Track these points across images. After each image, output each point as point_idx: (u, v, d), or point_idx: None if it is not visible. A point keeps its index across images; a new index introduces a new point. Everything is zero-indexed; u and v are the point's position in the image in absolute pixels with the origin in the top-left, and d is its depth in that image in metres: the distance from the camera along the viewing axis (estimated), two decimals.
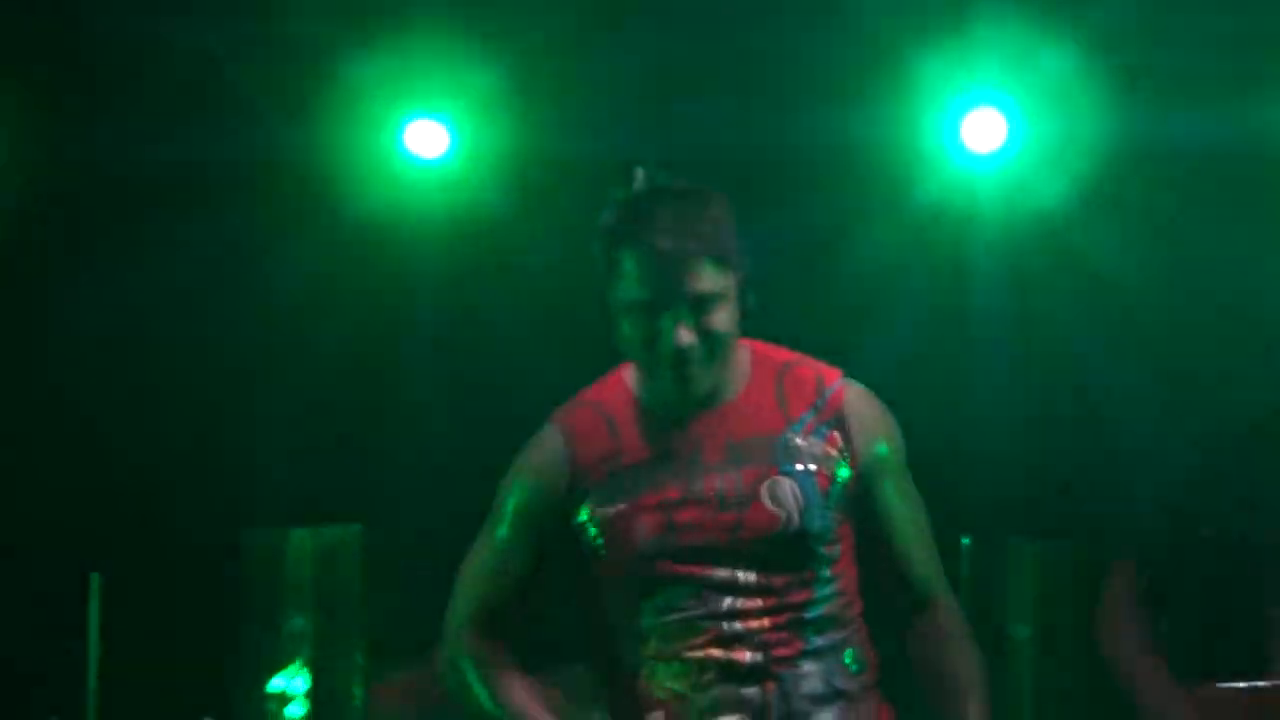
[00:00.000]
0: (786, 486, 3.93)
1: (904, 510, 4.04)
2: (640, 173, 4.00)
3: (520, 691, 4.05)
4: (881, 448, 4.04)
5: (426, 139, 7.33)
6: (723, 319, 3.87)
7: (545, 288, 7.31)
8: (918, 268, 7.13)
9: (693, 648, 3.95)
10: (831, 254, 7.35)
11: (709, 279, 3.84)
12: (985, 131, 7.06)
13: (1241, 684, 4.38)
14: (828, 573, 3.96)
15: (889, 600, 4.03)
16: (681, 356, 3.83)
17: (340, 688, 6.94)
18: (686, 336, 3.81)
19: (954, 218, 7.16)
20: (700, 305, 3.83)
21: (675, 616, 3.95)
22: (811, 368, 4.05)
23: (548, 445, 4.02)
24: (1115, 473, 5.65)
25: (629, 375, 4.04)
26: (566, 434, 4.01)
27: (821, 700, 3.91)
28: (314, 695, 6.78)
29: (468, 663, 4.07)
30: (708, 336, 3.84)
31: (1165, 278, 6.66)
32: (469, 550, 4.10)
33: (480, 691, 4.06)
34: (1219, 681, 4.39)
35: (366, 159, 7.22)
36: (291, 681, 6.34)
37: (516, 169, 7.24)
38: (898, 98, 7.02)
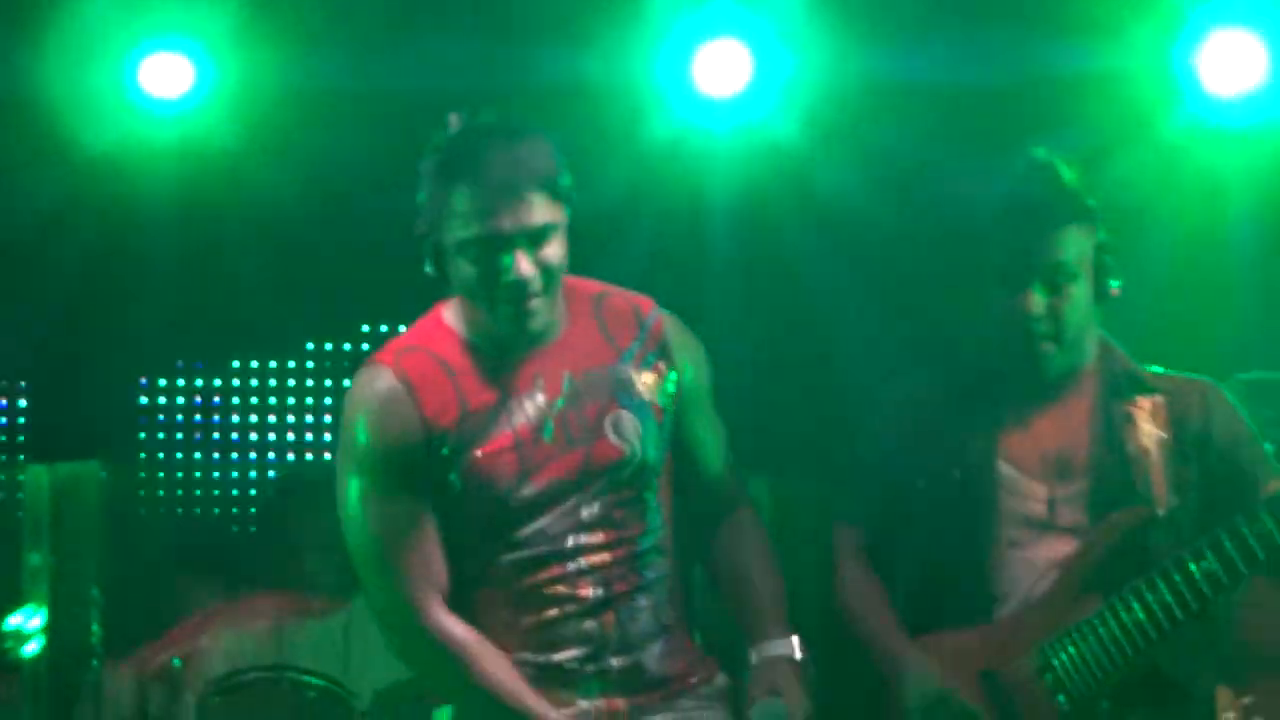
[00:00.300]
0: (627, 419, 4.04)
1: (717, 430, 4.20)
2: (454, 117, 4.00)
3: (502, 670, 4.03)
4: (700, 373, 4.18)
5: (165, 75, 6.93)
6: (557, 251, 3.91)
7: (288, 230, 7.25)
8: (650, 207, 7.09)
9: (540, 583, 4.03)
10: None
11: (543, 210, 3.87)
12: (721, 69, 6.88)
13: (971, 630, 4.44)
14: (655, 501, 4.08)
15: (696, 514, 4.17)
16: (522, 289, 3.86)
17: (77, 625, 6.77)
18: (527, 268, 3.84)
19: (690, 155, 7.06)
20: (536, 237, 3.85)
21: (526, 553, 4.02)
22: (624, 298, 4.14)
23: (393, 401, 4.00)
24: (845, 411, 5.74)
25: (450, 317, 4.07)
26: (407, 385, 4.00)
27: (652, 635, 4.02)
28: (50, 631, 6.62)
29: (438, 644, 4.03)
30: (545, 269, 3.88)
31: (898, 214, 6.73)
32: (357, 527, 4.05)
33: (459, 673, 4.03)
34: (949, 629, 4.45)
35: (98, 95, 6.89)
36: (29, 619, 6.22)
37: (260, 106, 7.02)
38: (629, 35, 6.87)
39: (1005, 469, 4.45)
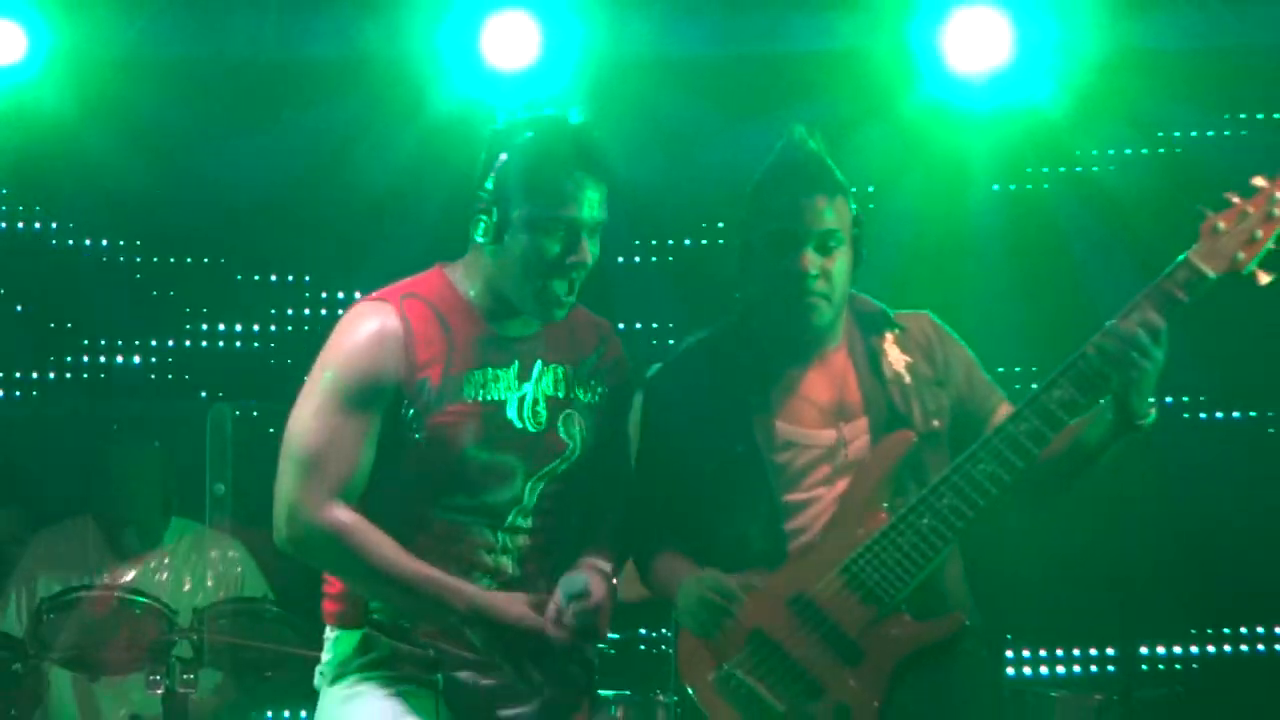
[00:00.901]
0: (576, 419, 4.31)
1: (628, 438, 4.55)
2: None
3: (401, 553, 4.17)
4: (631, 393, 4.53)
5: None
6: (595, 249, 4.29)
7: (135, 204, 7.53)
8: (434, 179, 7.12)
9: (468, 547, 4.26)
10: (345, 164, 7.48)
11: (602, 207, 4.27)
12: (511, 42, 7.05)
13: (774, 571, 4.53)
14: (575, 497, 4.36)
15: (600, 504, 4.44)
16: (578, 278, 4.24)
17: None
18: (588, 256, 4.22)
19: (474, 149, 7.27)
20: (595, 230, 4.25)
21: (465, 518, 4.25)
22: (588, 314, 4.49)
23: (389, 337, 4.19)
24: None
25: (455, 277, 4.30)
26: (407, 326, 4.20)
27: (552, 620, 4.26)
28: None
29: (337, 533, 4.16)
30: (585, 265, 4.24)
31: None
32: (300, 435, 4.17)
33: (359, 557, 4.16)
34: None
35: None
36: None
37: (95, 73, 7.13)
38: (418, 7, 7.07)
39: (785, 429, 4.55)
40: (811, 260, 4.44)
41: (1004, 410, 4.54)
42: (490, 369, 4.24)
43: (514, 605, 4.16)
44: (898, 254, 6.02)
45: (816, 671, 4.41)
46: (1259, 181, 4.38)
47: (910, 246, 6.67)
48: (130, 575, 6.85)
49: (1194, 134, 7.75)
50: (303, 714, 6.44)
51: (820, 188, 4.49)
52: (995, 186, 7.64)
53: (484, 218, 4.20)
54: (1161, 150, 7.74)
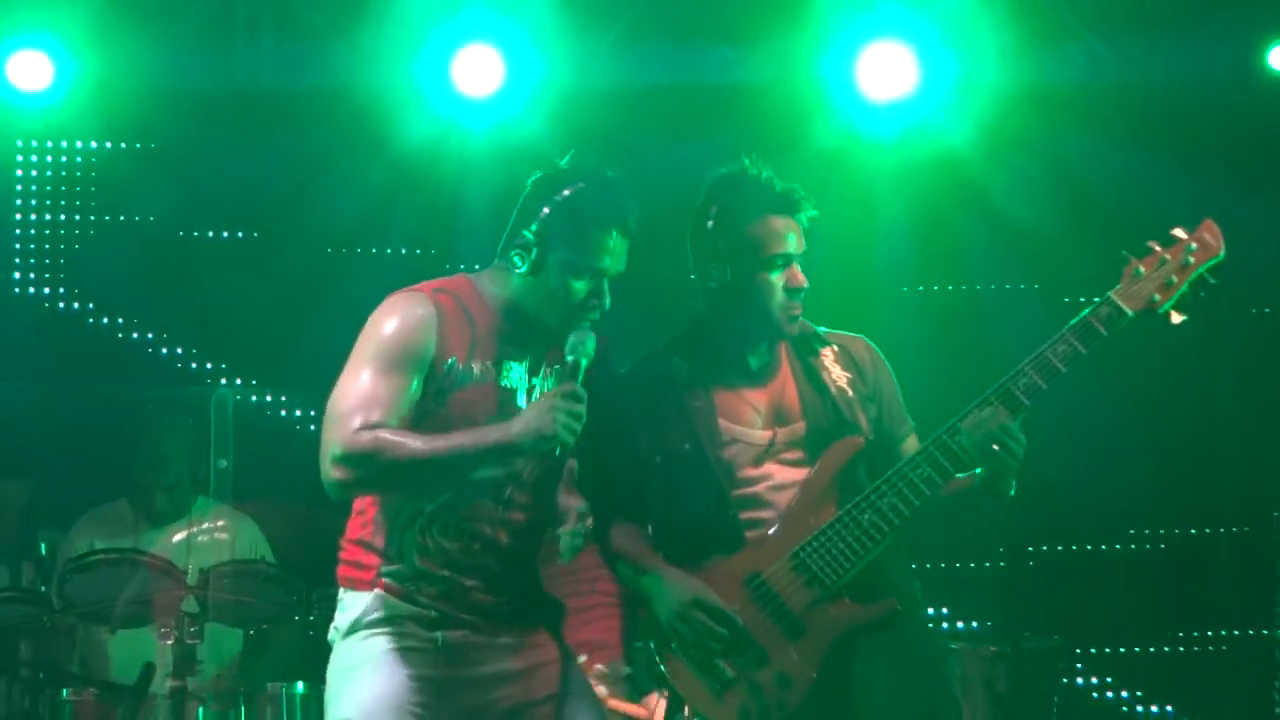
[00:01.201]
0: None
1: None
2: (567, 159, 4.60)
3: (430, 436, 4.40)
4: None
5: (28, 71, 7.40)
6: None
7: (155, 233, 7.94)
8: (407, 207, 7.67)
9: (471, 515, 4.55)
10: (312, 192, 7.90)
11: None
12: (478, 72, 7.48)
13: (730, 555, 4.83)
14: (556, 483, 4.68)
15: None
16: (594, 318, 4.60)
17: None
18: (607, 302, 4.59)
19: (447, 167, 7.69)
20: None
21: (467, 489, 4.53)
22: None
23: (424, 319, 4.48)
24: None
25: (481, 284, 4.62)
26: (440, 312, 4.50)
27: (529, 580, 4.67)
28: None
29: (372, 441, 4.36)
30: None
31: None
32: (340, 392, 4.42)
33: (400, 449, 4.37)
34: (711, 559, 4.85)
35: None
36: None
37: (120, 102, 7.50)
38: (389, 38, 7.43)
39: (726, 426, 4.84)
40: (797, 277, 4.81)
41: (911, 442, 4.89)
42: (506, 361, 4.58)
43: (522, 414, 4.46)
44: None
45: (764, 643, 4.73)
46: (1178, 232, 4.71)
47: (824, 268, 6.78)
48: (157, 540, 7.23)
49: (1090, 164, 7.95)
50: (299, 686, 6.61)
51: (798, 211, 4.83)
52: (903, 212, 7.89)
53: (524, 253, 4.54)
54: (1062, 179, 7.96)
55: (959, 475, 4.73)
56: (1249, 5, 7.75)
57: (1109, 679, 8.43)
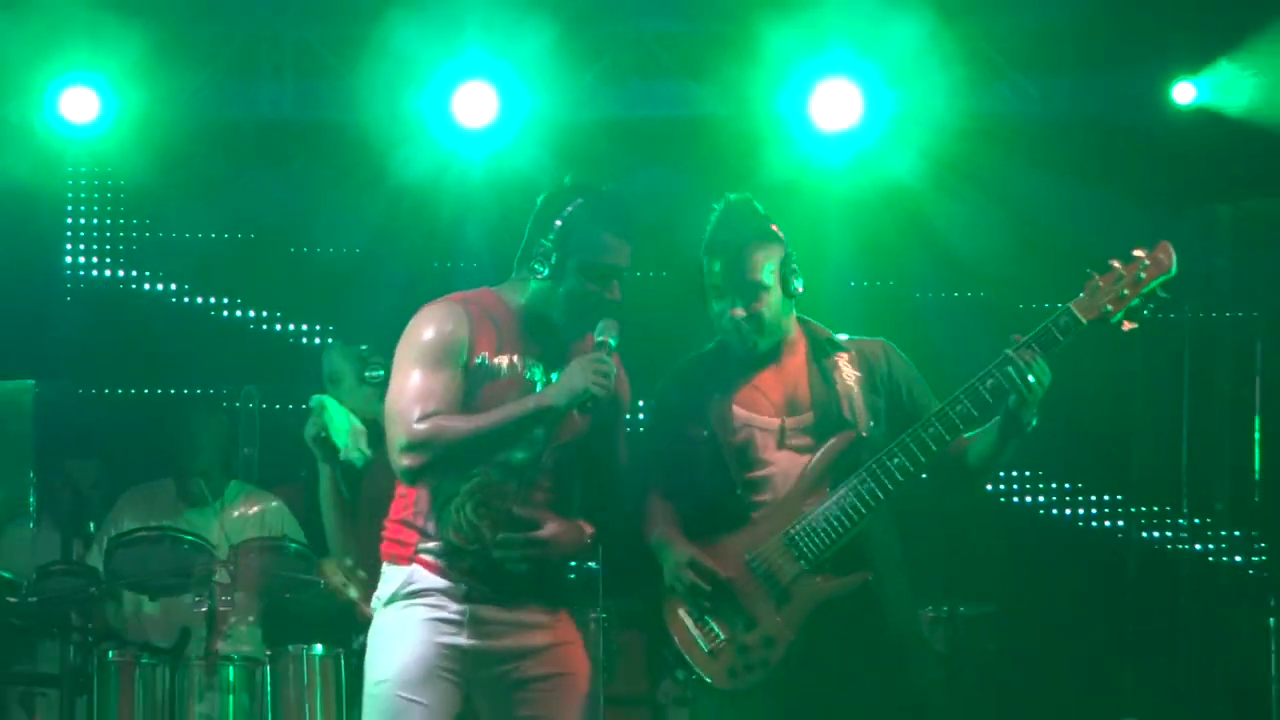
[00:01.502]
0: (586, 406, 4.85)
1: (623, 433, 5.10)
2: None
3: (480, 414, 4.70)
4: (627, 401, 5.07)
5: (77, 104, 7.75)
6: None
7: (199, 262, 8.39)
8: (408, 237, 8.08)
9: (496, 494, 4.81)
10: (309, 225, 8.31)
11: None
12: (475, 106, 7.91)
13: (737, 532, 5.16)
14: (574, 470, 4.95)
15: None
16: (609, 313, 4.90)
17: (11, 543, 8.03)
18: (619, 295, 4.89)
19: (449, 190, 8.10)
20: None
21: (495, 471, 4.80)
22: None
23: (458, 321, 4.75)
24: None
25: (503, 293, 4.90)
26: (470, 315, 4.78)
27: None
28: None
29: (432, 424, 4.65)
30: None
31: None
32: (395, 393, 4.68)
33: (457, 428, 4.65)
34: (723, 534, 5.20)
35: (13, 124, 7.70)
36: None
37: (166, 135, 7.83)
38: (388, 72, 7.76)
39: (741, 413, 5.18)
40: (739, 311, 5.14)
41: None
42: (529, 358, 4.89)
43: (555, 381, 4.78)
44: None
45: (754, 610, 5.12)
46: (1137, 252, 4.97)
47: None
48: (194, 520, 7.51)
49: (1018, 186, 8.35)
50: (318, 648, 6.84)
51: (745, 248, 5.13)
52: (852, 238, 8.29)
53: (544, 259, 4.85)
54: (994, 201, 8.31)
55: (968, 434, 5.07)
56: (1152, 46, 8.20)
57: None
